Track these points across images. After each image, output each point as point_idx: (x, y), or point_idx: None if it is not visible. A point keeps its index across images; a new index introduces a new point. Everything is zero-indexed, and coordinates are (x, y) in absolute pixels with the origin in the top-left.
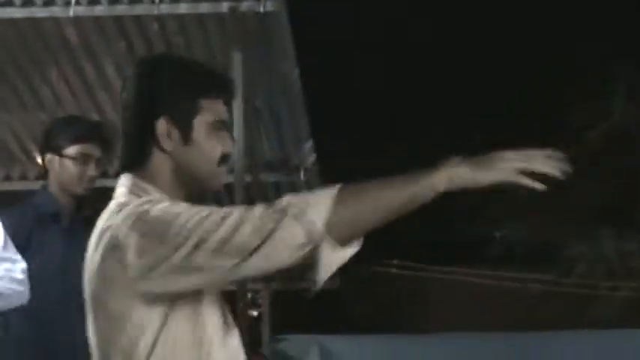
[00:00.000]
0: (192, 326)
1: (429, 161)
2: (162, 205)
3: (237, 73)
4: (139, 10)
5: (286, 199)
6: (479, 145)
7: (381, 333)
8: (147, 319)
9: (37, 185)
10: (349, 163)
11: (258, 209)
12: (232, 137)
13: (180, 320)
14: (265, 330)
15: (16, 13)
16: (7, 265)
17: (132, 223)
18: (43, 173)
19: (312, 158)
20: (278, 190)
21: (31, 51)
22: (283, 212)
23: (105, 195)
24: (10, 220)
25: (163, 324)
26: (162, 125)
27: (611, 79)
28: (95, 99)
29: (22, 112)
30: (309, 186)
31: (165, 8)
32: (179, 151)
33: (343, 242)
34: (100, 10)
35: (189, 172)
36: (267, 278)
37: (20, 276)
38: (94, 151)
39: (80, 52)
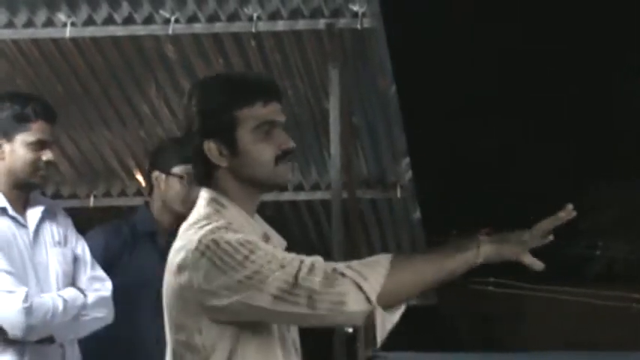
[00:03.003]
0: (262, 356)
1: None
2: (238, 237)
3: (334, 90)
4: (237, 27)
5: (345, 265)
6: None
7: (478, 351)
8: (217, 340)
9: (135, 201)
10: (445, 180)
11: (320, 266)
12: (287, 132)
13: (250, 348)
14: (361, 348)
15: (117, 31)
16: (97, 284)
17: (204, 248)
18: (148, 190)
19: (408, 175)
20: (374, 207)
21: (131, 68)
22: (344, 275)
23: None
24: (104, 235)
25: (234, 349)
26: (209, 147)
27: None
28: None
29: (122, 128)
30: (406, 203)
31: (262, 25)
32: (234, 164)
33: (384, 308)
34: (198, 27)
35: (249, 180)
36: None
37: (107, 294)
38: None
39: (178, 70)
